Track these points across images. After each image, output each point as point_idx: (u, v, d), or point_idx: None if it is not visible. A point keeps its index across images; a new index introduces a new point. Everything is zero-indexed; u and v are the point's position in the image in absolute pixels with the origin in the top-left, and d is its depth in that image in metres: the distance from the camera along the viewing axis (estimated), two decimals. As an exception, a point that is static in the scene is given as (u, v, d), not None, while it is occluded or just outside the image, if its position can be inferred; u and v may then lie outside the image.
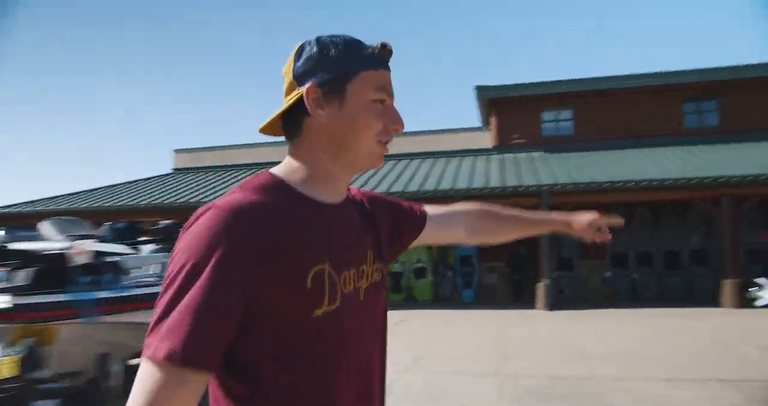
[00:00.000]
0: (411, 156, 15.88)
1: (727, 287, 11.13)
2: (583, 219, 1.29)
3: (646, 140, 14.64)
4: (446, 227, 1.23)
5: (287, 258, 0.79)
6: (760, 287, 9.67)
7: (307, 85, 0.87)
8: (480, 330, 8.85)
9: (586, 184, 11.40)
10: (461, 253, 13.98)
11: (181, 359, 0.70)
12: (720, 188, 11.22)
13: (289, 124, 0.92)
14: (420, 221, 1.17)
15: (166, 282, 0.76)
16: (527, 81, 15.13)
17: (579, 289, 14.25)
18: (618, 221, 1.29)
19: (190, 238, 0.77)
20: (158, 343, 0.71)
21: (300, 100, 0.88)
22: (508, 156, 14.79)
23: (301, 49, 0.90)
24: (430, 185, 12.64)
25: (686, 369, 5.59)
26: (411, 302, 13.31)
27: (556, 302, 12.09)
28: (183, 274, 0.74)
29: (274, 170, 0.91)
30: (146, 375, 0.71)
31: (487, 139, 15.85)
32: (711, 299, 11.66)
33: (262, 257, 0.77)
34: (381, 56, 0.90)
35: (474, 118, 34.39)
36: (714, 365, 5.78)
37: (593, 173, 12.12)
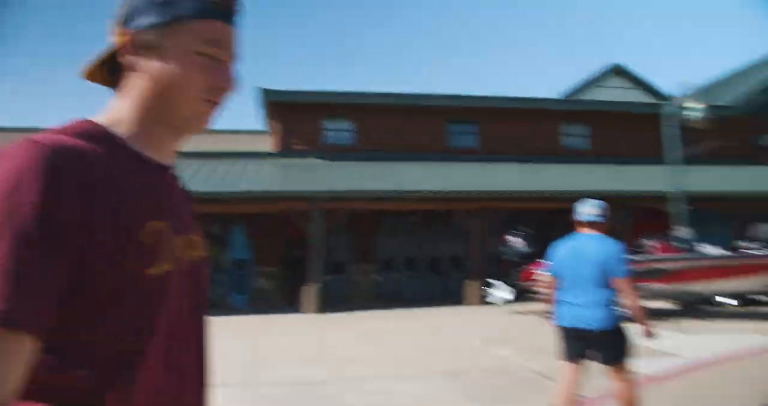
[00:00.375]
0: (187, 155, 15.06)
1: (472, 287, 12.61)
2: None
3: (418, 155, 15.93)
4: None
5: (120, 207, 0.70)
6: (491, 286, 11.11)
7: (128, 30, 0.78)
8: (240, 337, 8.63)
9: (358, 193, 11.96)
10: (235, 256, 13.64)
11: (18, 320, 0.60)
12: (473, 202, 12.70)
13: (113, 71, 0.82)
14: None
15: None
16: (312, 89, 15.48)
17: (350, 292, 14.89)
18: None
19: None
20: None
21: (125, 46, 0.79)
22: (289, 161, 14.88)
23: None
24: (204, 187, 12.07)
25: (423, 364, 6.09)
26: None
27: (326, 306, 12.43)
28: None
29: (96, 119, 0.79)
30: None
31: (269, 143, 15.76)
32: (464, 299, 13.07)
33: (92, 201, 0.67)
34: (219, 7, 0.80)
35: (254, 121, 33.92)
36: (448, 358, 6.41)
37: (368, 183, 12.78)
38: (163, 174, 0.83)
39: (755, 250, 10.29)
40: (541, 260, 10.58)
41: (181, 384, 0.82)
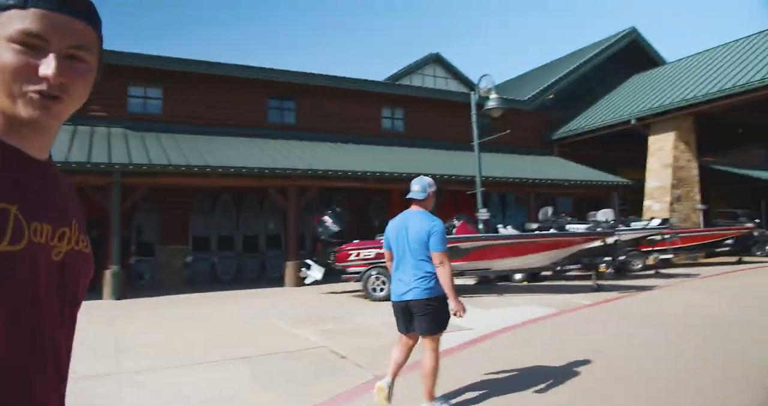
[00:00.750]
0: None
1: (289, 268, 12.38)
2: None
3: (233, 128, 15.16)
4: None
5: None
6: (308, 267, 10.99)
7: None
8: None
9: (164, 166, 10.96)
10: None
11: None
12: (287, 179, 12.39)
13: None
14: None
15: None
16: (116, 49, 13.75)
17: (159, 275, 13.79)
18: None
19: None
20: None
21: None
22: (84, 129, 13.15)
23: None
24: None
25: (222, 351, 5.68)
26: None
27: (130, 290, 11.32)
28: None
29: None
30: None
31: (62, 107, 13.79)
32: (280, 279, 12.78)
33: None
34: None
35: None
36: (250, 342, 6.08)
37: (175, 156, 11.78)
38: (32, 165, 0.84)
39: (541, 230, 11.51)
40: (355, 240, 10.73)
41: (27, 372, 0.79)
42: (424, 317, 3.52)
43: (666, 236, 13.15)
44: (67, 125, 13.23)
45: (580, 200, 21.02)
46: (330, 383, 4.34)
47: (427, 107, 18.18)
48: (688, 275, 12.43)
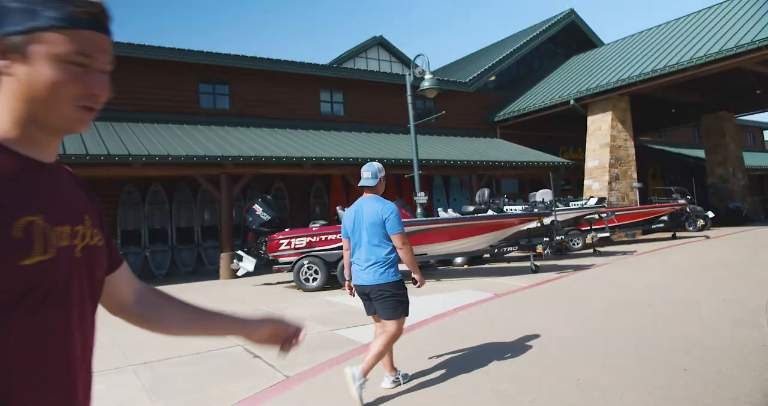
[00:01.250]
0: None
1: (223, 260, 11.87)
2: (264, 330, 1.23)
3: (161, 115, 14.41)
4: (119, 283, 1.10)
5: None
6: (240, 258, 10.53)
7: None
8: None
9: (80, 157, 10.21)
10: None
11: None
12: (218, 167, 11.82)
13: None
14: (118, 260, 1.11)
15: None
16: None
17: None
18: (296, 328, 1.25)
19: None
20: None
21: None
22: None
23: None
24: None
25: (121, 356, 5.24)
26: None
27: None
28: None
29: None
30: None
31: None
32: (218, 272, 12.25)
33: None
34: (86, 16, 0.82)
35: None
36: (155, 344, 5.64)
37: (93, 145, 11.03)
38: (44, 169, 0.85)
39: (478, 212, 11.39)
40: (287, 229, 10.32)
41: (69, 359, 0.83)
42: (382, 302, 3.61)
43: (603, 215, 13.29)
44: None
45: (526, 181, 21.19)
46: (234, 387, 3.98)
47: (367, 90, 17.79)
48: (625, 253, 12.62)
